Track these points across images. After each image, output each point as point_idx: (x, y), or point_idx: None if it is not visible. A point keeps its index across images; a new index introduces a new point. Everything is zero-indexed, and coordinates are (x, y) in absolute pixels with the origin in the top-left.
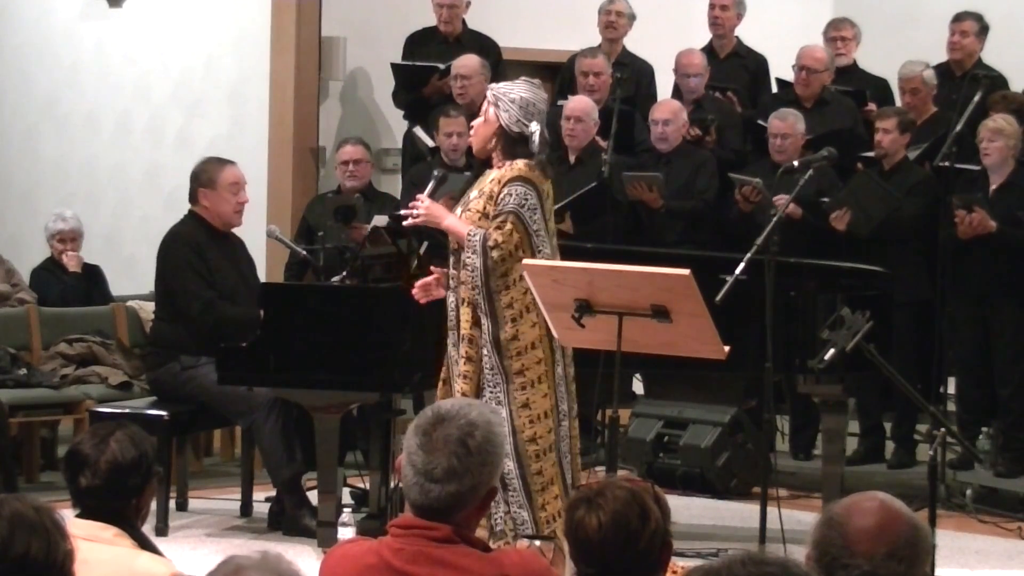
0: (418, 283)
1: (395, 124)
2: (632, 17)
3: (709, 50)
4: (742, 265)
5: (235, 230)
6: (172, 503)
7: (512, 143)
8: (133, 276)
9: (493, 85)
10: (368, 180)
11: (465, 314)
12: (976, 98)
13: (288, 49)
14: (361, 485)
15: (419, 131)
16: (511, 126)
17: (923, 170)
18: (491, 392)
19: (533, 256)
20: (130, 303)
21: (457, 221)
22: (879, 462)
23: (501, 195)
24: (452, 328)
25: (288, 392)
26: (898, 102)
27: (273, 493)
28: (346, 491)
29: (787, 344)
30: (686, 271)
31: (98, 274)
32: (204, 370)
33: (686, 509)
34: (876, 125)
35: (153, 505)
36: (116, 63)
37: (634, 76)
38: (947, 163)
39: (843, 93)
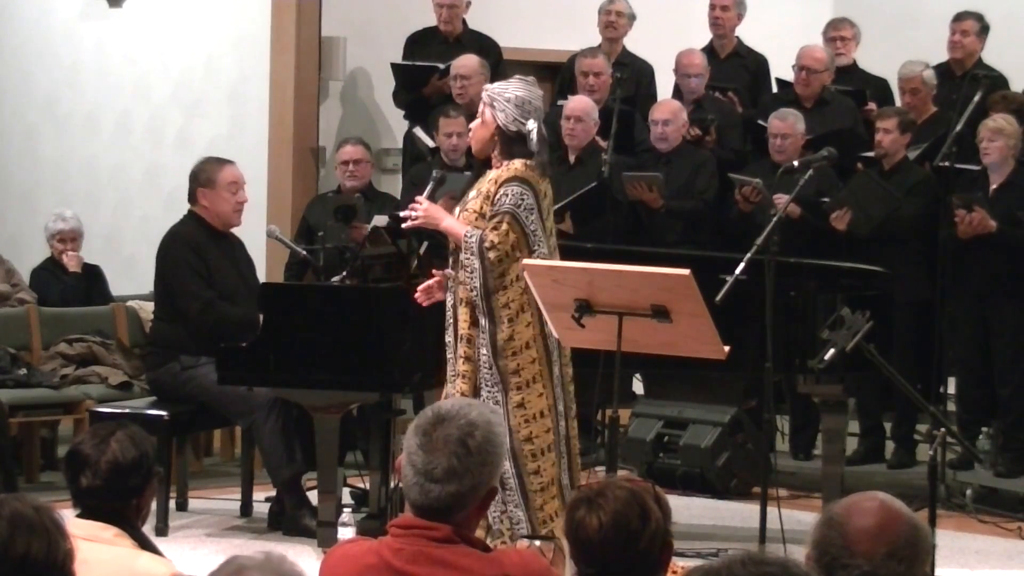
0: (420, 287)
1: (395, 124)
2: (632, 17)
3: (709, 50)
4: (742, 265)
5: (235, 230)
6: (172, 503)
7: (510, 142)
8: (133, 276)
9: (488, 86)
10: (368, 180)
11: (463, 314)
12: (976, 98)
13: (288, 49)
14: (361, 485)
15: (419, 131)
16: (508, 125)
17: (923, 170)
18: (488, 392)
19: (530, 256)
20: (130, 303)
21: (455, 222)
22: (879, 462)
23: (497, 196)
24: (450, 328)
25: (288, 392)
26: (898, 102)
27: (273, 493)
28: (346, 491)
29: (787, 344)
30: (686, 271)
31: (98, 274)
32: (204, 370)
33: (686, 509)
34: (877, 125)
35: (153, 505)
36: (116, 63)
37: (634, 76)
38: (947, 163)
39: (843, 93)
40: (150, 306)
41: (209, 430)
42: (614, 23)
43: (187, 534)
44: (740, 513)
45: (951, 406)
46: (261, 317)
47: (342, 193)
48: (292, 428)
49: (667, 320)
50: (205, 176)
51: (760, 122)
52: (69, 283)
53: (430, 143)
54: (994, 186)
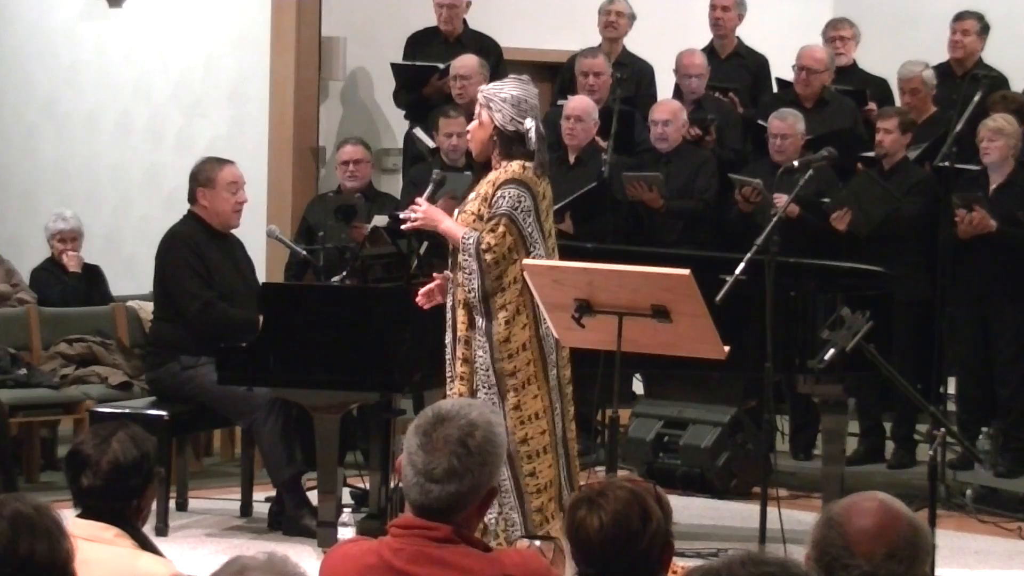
0: (421, 291)
1: (395, 124)
2: (632, 17)
3: (710, 50)
4: (742, 265)
5: (235, 231)
6: (172, 503)
7: (510, 142)
8: (133, 276)
9: (482, 87)
10: (368, 180)
11: (461, 315)
12: (976, 98)
13: (288, 49)
14: (361, 485)
15: (419, 132)
16: (506, 126)
17: (923, 170)
18: (485, 393)
19: (527, 258)
20: (130, 303)
21: (453, 224)
22: (879, 462)
23: (495, 198)
24: (450, 329)
25: (288, 392)
26: (898, 102)
27: (273, 493)
28: (346, 491)
29: (787, 344)
30: (686, 271)
31: (98, 274)
32: (204, 370)
33: (686, 509)
34: (877, 125)
35: (153, 505)
36: (116, 63)
37: (634, 76)
38: (947, 163)
39: (843, 93)
40: (150, 306)
41: (209, 430)
42: (614, 23)
43: (187, 534)
44: (740, 513)
45: (951, 406)
46: (261, 317)
47: (342, 193)
48: (292, 428)
49: (667, 320)
50: (205, 176)
51: (760, 122)
52: (69, 283)
53: (430, 143)
54: (994, 186)
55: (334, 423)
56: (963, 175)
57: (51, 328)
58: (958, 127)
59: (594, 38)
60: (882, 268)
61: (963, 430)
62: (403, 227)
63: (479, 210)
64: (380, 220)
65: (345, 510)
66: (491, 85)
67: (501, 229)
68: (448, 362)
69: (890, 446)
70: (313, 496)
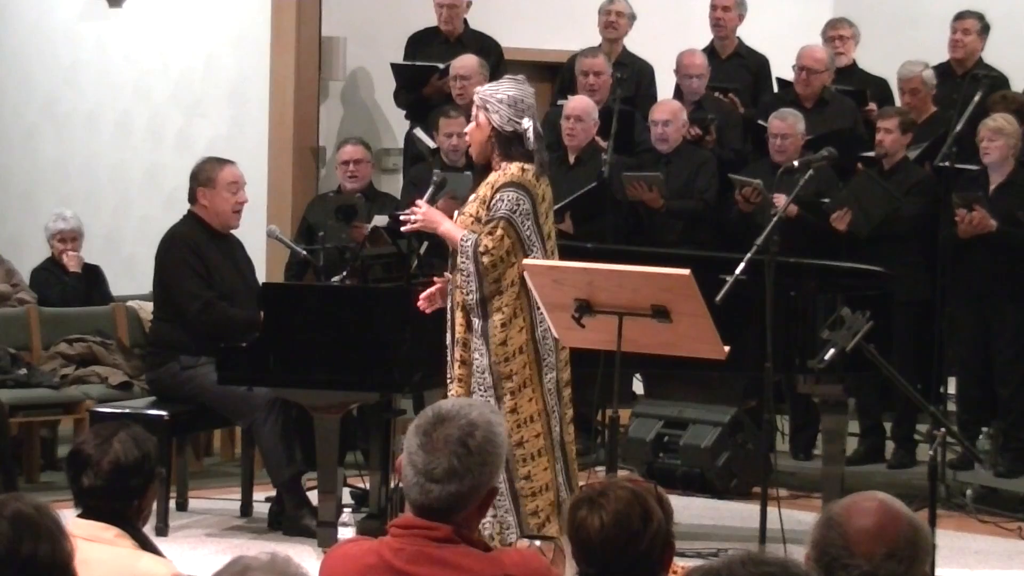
0: (423, 295)
1: (395, 124)
2: (632, 17)
3: (711, 50)
4: (742, 265)
5: (235, 231)
6: (172, 503)
7: (508, 143)
8: (133, 276)
9: (478, 89)
10: (368, 180)
11: (460, 318)
12: (976, 98)
13: (288, 49)
14: (361, 485)
15: (419, 132)
16: (504, 126)
17: (923, 170)
18: (482, 395)
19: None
20: (130, 303)
21: (452, 226)
22: (879, 462)
23: (493, 201)
24: (449, 330)
25: (288, 392)
26: (898, 102)
27: (273, 493)
28: (346, 491)
29: (787, 344)
30: (686, 271)
31: (98, 274)
32: (204, 370)
33: (686, 509)
34: (878, 125)
35: (153, 505)
36: (116, 63)
37: (634, 76)
38: (947, 163)
39: (843, 93)
40: (150, 306)
41: (209, 430)
42: (614, 23)
43: (187, 534)
44: (740, 513)
45: (951, 406)
46: (261, 316)
47: (342, 193)
48: (292, 428)
49: (667, 320)
50: (205, 176)
51: (760, 122)
52: (69, 283)
53: (430, 143)
54: (994, 186)
55: (334, 423)
56: (963, 175)
57: (51, 328)
58: (958, 127)
59: (594, 38)
60: (882, 268)
61: (963, 430)
62: (403, 229)
63: (477, 212)
64: (380, 220)
65: (345, 510)
66: (487, 86)
67: (499, 232)
68: (449, 363)
69: (890, 446)
70: (313, 496)
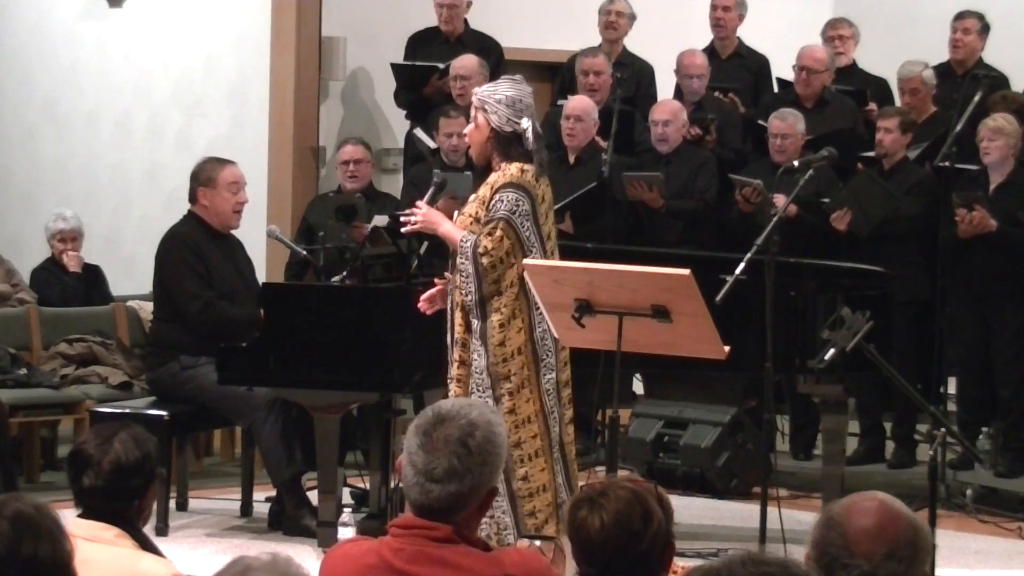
0: (423, 296)
1: (395, 124)
2: (632, 17)
3: (711, 51)
4: (742, 265)
5: (235, 231)
6: (172, 503)
7: (508, 143)
8: (133, 276)
9: (476, 90)
10: (368, 180)
11: (459, 318)
12: (976, 98)
13: (288, 49)
14: (361, 485)
15: (419, 132)
16: (503, 127)
17: (923, 170)
18: (480, 395)
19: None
20: (130, 303)
21: (452, 227)
22: (879, 462)
23: (492, 201)
24: (449, 331)
25: (288, 392)
26: (898, 102)
27: (273, 493)
28: (346, 491)
29: (787, 344)
30: (686, 271)
31: (98, 274)
32: (204, 370)
33: (686, 509)
34: (878, 125)
35: (153, 505)
36: (116, 63)
37: (634, 76)
38: (947, 163)
39: (843, 93)
40: (150, 306)
41: (209, 430)
42: (614, 23)
43: (187, 534)
44: (740, 513)
45: (951, 406)
46: (261, 316)
47: (342, 193)
48: (292, 428)
49: (667, 320)
50: (205, 176)
51: (760, 122)
52: (69, 283)
53: (430, 143)
54: (994, 186)
55: (334, 423)
56: (963, 175)
57: (51, 328)
58: (958, 127)
59: (594, 38)
60: (882, 268)
61: (963, 430)
62: (403, 230)
63: (477, 212)
64: (380, 220)
65: (345, 510)
66: (485, 87)
67: (499, 233)
68: (448, 364)
69: (890, 446)
70: (313, 496)
